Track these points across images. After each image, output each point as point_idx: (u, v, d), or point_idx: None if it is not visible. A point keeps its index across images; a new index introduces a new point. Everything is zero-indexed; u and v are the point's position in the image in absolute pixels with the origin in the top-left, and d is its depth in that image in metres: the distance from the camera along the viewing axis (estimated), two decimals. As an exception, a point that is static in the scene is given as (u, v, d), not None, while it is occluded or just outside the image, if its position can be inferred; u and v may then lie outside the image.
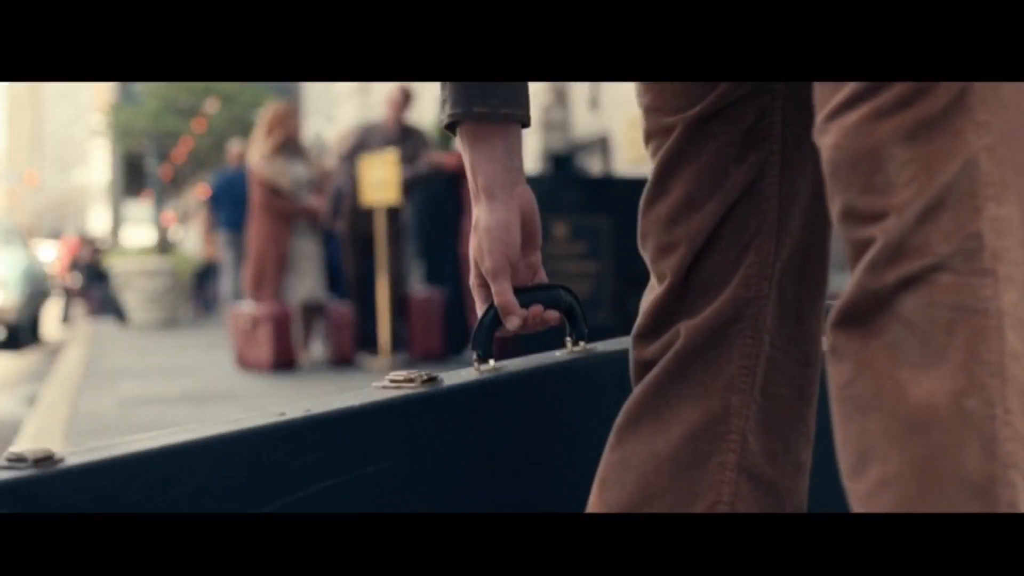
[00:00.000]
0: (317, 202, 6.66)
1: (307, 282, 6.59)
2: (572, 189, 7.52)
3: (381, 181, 6.22)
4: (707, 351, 1.09)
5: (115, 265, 12.94)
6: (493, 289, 1.16)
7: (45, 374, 7.74)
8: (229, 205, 8.58)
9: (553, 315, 1.19)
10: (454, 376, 1.23)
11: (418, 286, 7.28)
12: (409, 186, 6.66)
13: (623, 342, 1.23)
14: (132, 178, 30.60)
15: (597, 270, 6.97)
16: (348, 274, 6.85)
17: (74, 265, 16.68)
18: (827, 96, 0.87)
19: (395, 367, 6.31)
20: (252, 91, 22.36)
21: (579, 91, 13.22)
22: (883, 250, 0.83)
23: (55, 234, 31.15)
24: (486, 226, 1.14)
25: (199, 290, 14.30)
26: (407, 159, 6.53)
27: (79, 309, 15.97)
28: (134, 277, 12.23)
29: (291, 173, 6.58)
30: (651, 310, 1.13)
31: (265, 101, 16.62)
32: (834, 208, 0.87)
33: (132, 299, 12.23)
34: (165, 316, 12.14)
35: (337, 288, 7.20)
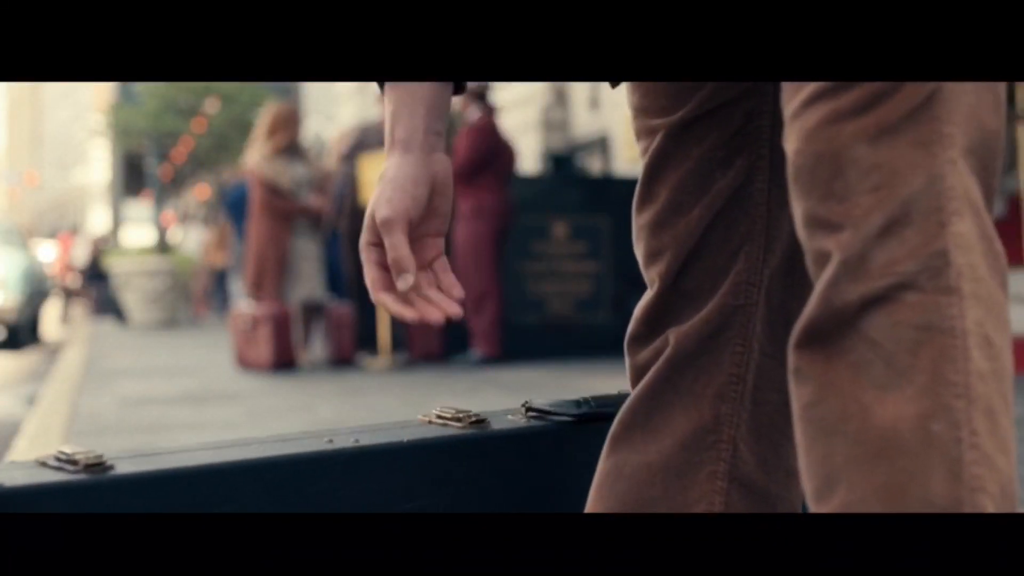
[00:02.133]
0: (318, 202, 6.66)
1: (307, 282, 6.59)
2: (572, 189, 7.53)
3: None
4: (697, 359, 1.09)
5: (115, 265, 12.94)
6: (387, 242, 1.03)
7: (45, 374, 7.73)
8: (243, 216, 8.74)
9: (451, 309, 1.07)
10: (501, 420, 1.24)
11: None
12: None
13: None
14: (132, 178, 30.59)
15: (597, 270, 6.98)
16: (348, 274, 6.85)
17: (73, 264, 16.68)
18: (790, 97, 0.86)
19: (395, 367, 6.32)
20: (252, 91, 22.34)
21: (579, 91, 13.22)
22: (845, 265, 0.81)
23: (55, 234, 31.17)
24: (392, 176, 1.05)
25: (215, 293, 14.32)
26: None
27: (79, 309, 15.96)
28: (134, 277, 12.23)
29: (292, 173, 6.58)
30: (642, 315, 1.13)
31: (265, 101, 16.61)
32: (795, 215, 0.86)
33: (132, 299, 12.23)
34: (165, 316, 12.14)
35: (337, 288, 7.20)
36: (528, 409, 1.27)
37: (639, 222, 1.13)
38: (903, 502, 0.79)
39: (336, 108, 23.22)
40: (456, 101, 6.71)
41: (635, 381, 1.12)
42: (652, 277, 1.12)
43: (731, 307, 1.09)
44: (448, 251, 1.10)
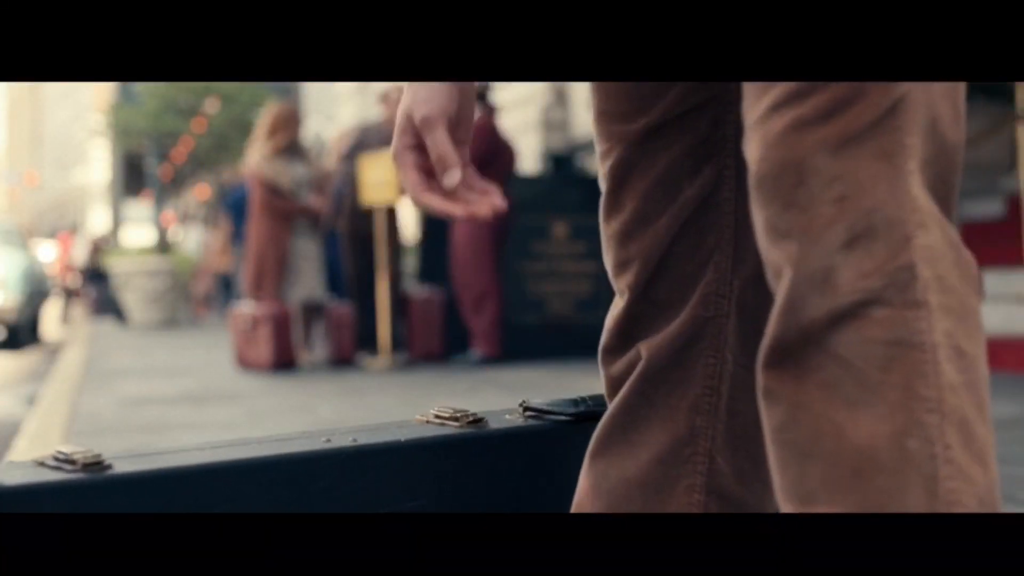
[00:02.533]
0: (318, 202, 6.66)
1: (307, 282, 6.59)
2: (572, 189, 7.52)
3: (381, 181, 6.22)
4: (670, 372, 1.08)
5: (115, 265, 12.94)
6: (429, 140, 1.00)
7: (45, 374, 7.73)
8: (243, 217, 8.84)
9: (496, 202, 1.01)
10: (499, 419, 1.24)
11: (416, 286, 7.28)
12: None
13: None
14: (132, 178, 30.58)
15: (597, 270, 6.97)
16: (348, 274, 6.85)
17: (73, 263, 16.69)
18: (752, 104, 0.85)
19: (395, 367, 6.31)
20: (252, 91, 22.33)
21: (579, 91, 13.21)
22: (810, 279, 0.80)
23: (55, 234, 31.17)
24: (423, 85, 1.02)
25: (218, 296, 14.34)
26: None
27: (79, 309, 15.97)
28: (134, 277, 12.23)
29: (292, 173, 6.58)
30: (614, 327, 1.11)
31: (265, 101, 16.61)
32: (756, 223, 0.85)
33: (132, 299, 12.23)
34: (165, 316, 12.14)
35: (337, 288, 7.20)
36: (526, 409, 1.27)
37: (607, 232, 1.12)
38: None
39: (336, 108, 23.22)
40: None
41: (611, 393, 1.11)
42: (621, 287, 1.11)
43: (702, 319, 1.08)
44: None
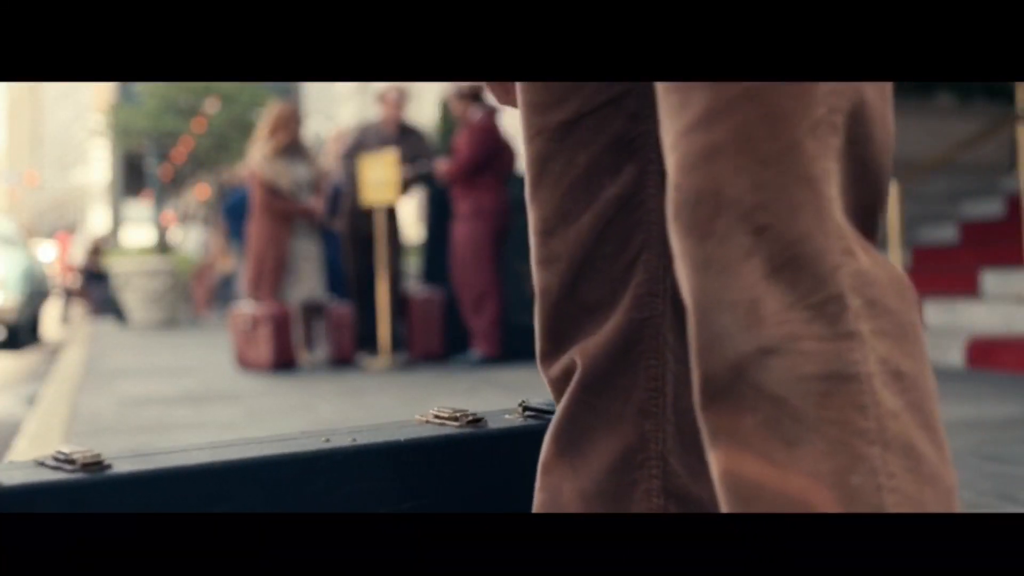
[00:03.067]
0: (317, 203, 6.66)
1: (307, 283, 6.60)
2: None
3: (381, 181, 6.22)
4: (611, 379, 1.06)
5: (115, 265, 12.94)
6: None
7: (45, 374, 7.73)
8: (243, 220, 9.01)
9: None
10: (498, 419, 1.24)
11: (418, 286, 7.28)
12: (409, 186, 6.67)
13: None
14: (132, 178, 30.59)
15: (597, 270, 6.97)
16: (348, 274, 6.85)
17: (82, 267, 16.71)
18: (667, 122, 0.83)
19: (395, 367, 6.31)
20: (252, 91, 22.34)
21: (579, 91, 13.18)
22: (733, 313, 0.78)
23: (54, 234, 31.16)
24: None
25: (219, 296, 14.38)
26: (406, 159, 6.53)
27: (78, 309, 15.98)
28: (134, 277, 12.23)
29: (292, 174, 6.58)
30: (544, 331, 1.09)
31: (265, 101, 16.61)
32: (676, 252, 0.82)
33: (132, 299, 12.23)
34: (165, 316, 12.14)
35: (337, 288, 7.20)
36: (525, 409, 1.27)
37: (530, 225, 1.10)
38: None
39: (336, 108, 23.22)
40: (457, 101, 6.71)
41: (556, 398, 1.09)
42: (546, 284, 1.08)
43: (637, 321, 1.05)
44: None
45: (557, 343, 1.08)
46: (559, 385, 1.09)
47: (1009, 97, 7.96)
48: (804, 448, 0.77)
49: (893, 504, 0.77)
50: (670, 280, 1.05)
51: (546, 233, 1.08)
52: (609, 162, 1.05)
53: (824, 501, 0.77)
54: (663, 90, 0.85)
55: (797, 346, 0.77)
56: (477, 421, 1.21)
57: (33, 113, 67.06)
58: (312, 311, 6.70)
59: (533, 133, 1.08)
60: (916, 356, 0.81)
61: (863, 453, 0.77)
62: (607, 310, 1.06)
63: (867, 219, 0.83)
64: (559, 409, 1.07)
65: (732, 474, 0.80)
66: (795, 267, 0.78)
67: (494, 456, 1.20)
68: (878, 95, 0.85)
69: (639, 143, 1.04)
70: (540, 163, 1.07)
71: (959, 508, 0.82)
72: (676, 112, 0.82)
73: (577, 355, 1.07)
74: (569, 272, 1.06)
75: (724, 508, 0.82)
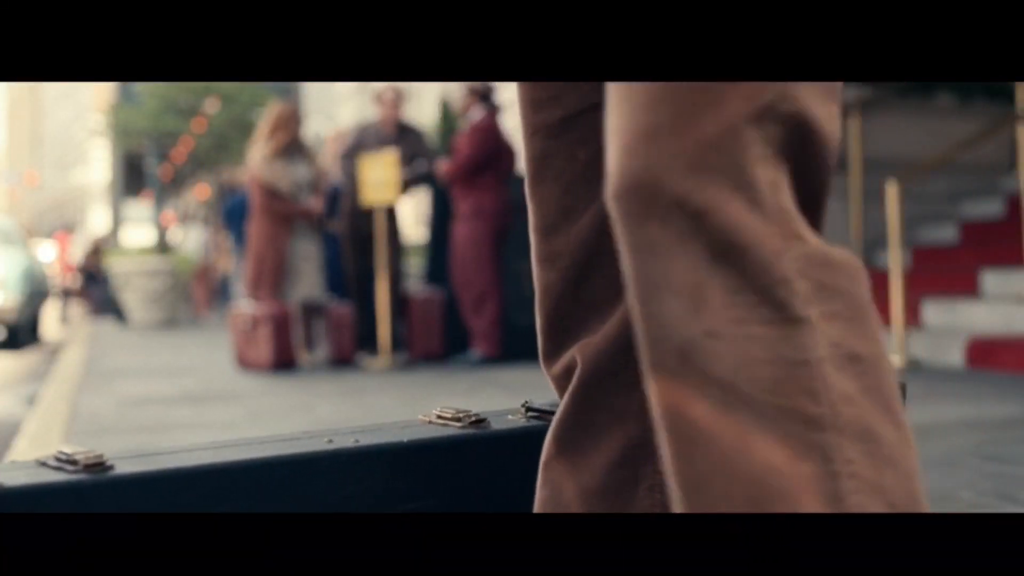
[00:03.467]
0: (317, 204, 6.66)
1: (306, 283, 6.59)
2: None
3: (381, 181, 6.22)
4: (613, 377, 1.05)
5: (115, 265, 12.94)
6: None
7: (45, 374, 7.73)
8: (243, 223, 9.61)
9: None
10: (501, 420, 1.24)
11: (419, 286, 7.28)
12: (408, 186, 6.67)
13: None
14: (132, 178, 30.59)
15: (597, 270, 6.97)
16: (348, 274, 6.85)
17: (81, 267, 16.71)
18: (612, 108, 0.82)
19: (395, 367, 6.31)
20: (252, 91, 22.34)
21: (579, 91, 13.17)
22: (677, 297, 0.77)
23: (52, 234, 31.17)
24: None
25: (219, 296, 14.42)
26: (406, 159, 6.53)
27: (78, 309, 15.99)
28: (134, 277, 12.23)
29: (292, 174, 6.57)
30: (547, 330, 1.08)
31: (265, 101, 16.60)
32: (618, 238, 0.81)
33: (132, 299, 12.23)
34: (165, 316, 12.14)
35: (337, 288, 7.20)
36: (528, 409, 1.27)
37: (530, 222, 1.09)
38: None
39: (336, 108, 23.23)
40: (458, 101, 6.71)
41: (560, 395, 1.09)
42: (547, 282, 1.08)
43: None
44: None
45: (559, 341, 1.08)
46: (561, 382, 1.08)
47: (1009, 97, 7.96)
48: (755, 436, 0.76)
49: (852, 490, 0.76)
50: None
51: (547, 230, 1.07)
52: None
53: (775, 490, 0.76)
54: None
55: (744, 330, 0.76)
56: (480, 422, 1.21)
57: (33, 113, 67.07)
58: (311, 311, 6.70)
59: (532, 130, 1.08)
60: (871, 338, 0.80)
61: (815, 440, 0.76)
62: (609, 307, 1.06)
63: (812, 203, 0.82)
64: (561, 406, 1.07)
65: (684, 460, 0.79)
66: (737, 251, 0.76)
67: (497, 457, 1.20)
68: (823, 90, 0.84)
69: None
70: (540, 160, 1.07)
71: (922, 489, 0.80)
72: (620, 99, 0.81)
73: (578, 353, 1.06)
74: (571, 270, 1.06)
75: (676, 498, 0.81)
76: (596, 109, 1.04)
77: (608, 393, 1.06)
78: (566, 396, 1.07)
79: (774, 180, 0.78)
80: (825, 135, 0.83)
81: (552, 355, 1.09)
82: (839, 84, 0.86)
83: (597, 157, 1.04)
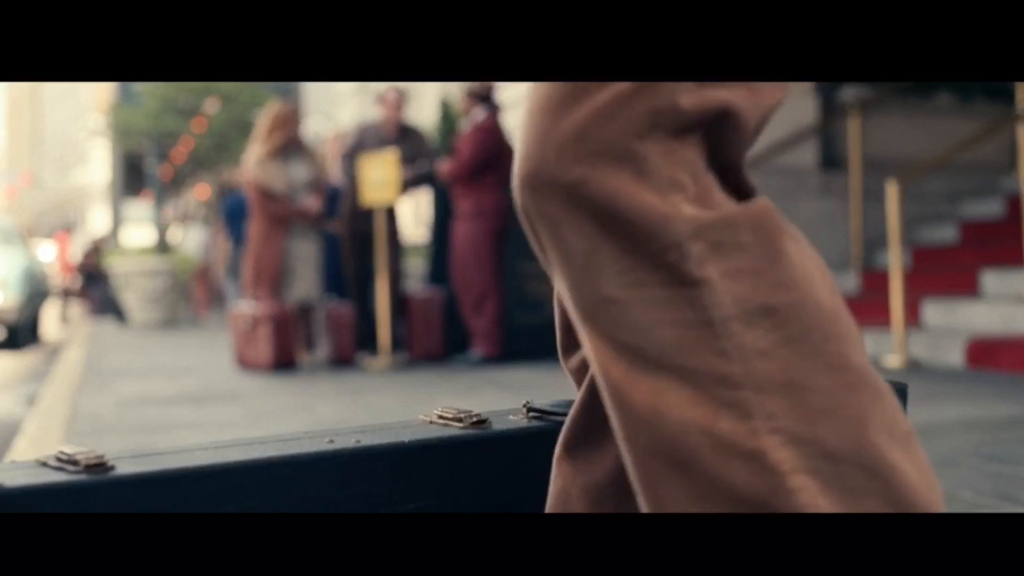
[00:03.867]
0: (315, 205, 6.64)
1: (302, 284, 6.59)
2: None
3: (381, 181, 6.22)
4: None
5: (115, 265, 12.94)
6: None
7: (45, 374, 7.73)
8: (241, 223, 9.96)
9: None
10: (502, 420, 1.24)
11: (420, 286, 7.28)
12: (409, 186, 6.67)
13: None
14: (132, 178, 30.59)
15: (597, 270, 6.96)
16: (348, 274, 6.85)
17: (79, 267, 16.71)
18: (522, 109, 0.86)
19: (395, 367, 6.31)
20: (252, 91, 22.32)
21: (579, 91, 13.16)
22: (570, 264, 0.79)
23: (54, 234, 31.19)
24: None
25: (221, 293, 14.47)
26: (406, 159, 6.53)
27: (78, 309, 15.99)
28: (134, 277, 12.23)
29: (287, 175, 6.56)
30: (564, 323, 1.10)
31: (265, 101, 16.61)
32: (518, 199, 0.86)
33: (132, 299, 12.23)
34: (165, 316, 12.14)
35: (337, 288, 7.20)
36: (529, 409, 1.27)
37: None
38: (717, 506, 0.76)
39: (336, 108, 23.23)
40: (459, 101, 6.71)
41: (578, 387, 1.10)
42: None
43: None
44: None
45: (574, 336, 1.09)
46: (579, 376, 1.09)
47: (1009, 97, 7.96)
48: (670, 398, 0.76)
49: (777, 445, 0.75)
50: None
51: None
52: None
53: (696, 451, 0.75)
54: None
55: (641, 294, 0.77)
56: (482, 422, 1.21)
57: (33, 113, 67.09)
58: (307, 312, 6.69)
59: None
60: (785, 287, 0.78)
61: (730, 398, 0.75)
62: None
63: (730, 173, 0.82)
64: (576, 401, 1.08)
65: (617, 427, 0.80)
66: (623, 220, 0.77)
67: (498, 457, 1.20)
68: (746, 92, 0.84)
69: None
70: None
71: (880, 433, 0.78)
72: (525, 100, 0.85)
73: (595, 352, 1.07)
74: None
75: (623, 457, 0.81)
76: None
77: None
78: (581, 391, 1.08)
79: (667, 150, 0.79)
80: (737, 110, 0.82)
81: (569, 349, 1.10)
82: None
83: None
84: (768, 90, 0.84)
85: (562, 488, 1.08)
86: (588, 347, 0.81)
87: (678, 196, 0.78)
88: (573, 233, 0.79)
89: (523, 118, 0.84)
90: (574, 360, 1.09)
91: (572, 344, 1.10)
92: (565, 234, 0.80)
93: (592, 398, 1.07)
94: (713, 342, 0.76)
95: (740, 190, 0.83)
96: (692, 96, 0.81)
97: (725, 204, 0.80)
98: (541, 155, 0.81)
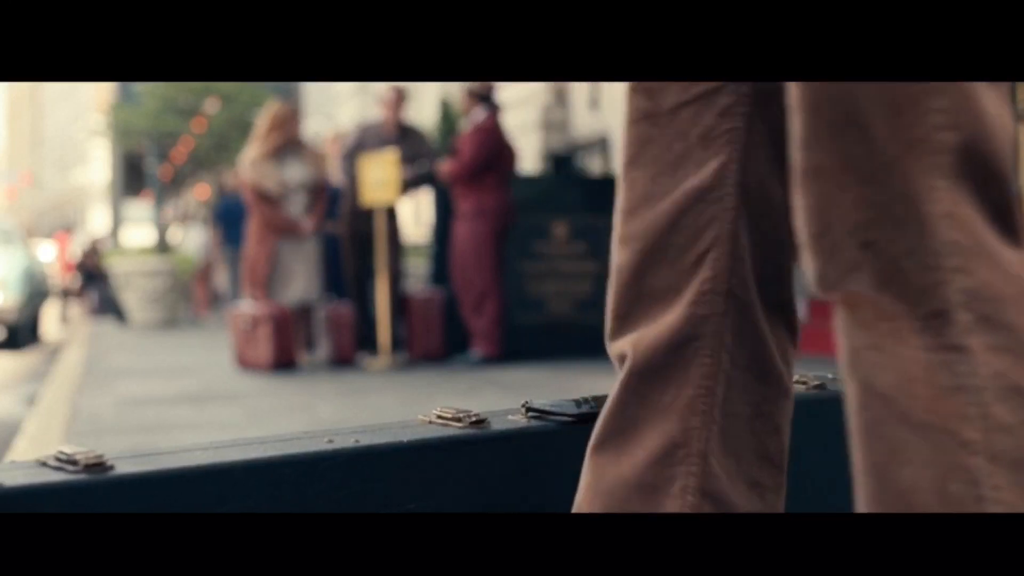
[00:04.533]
0: (309, 224, 6.56)
1: (299, 284, 6.58)
2: (572, 189, 7.52)
3: (381, 181, 6.22)
4: (664, 371, 1.07)
5: (115, 265, 12.93)
6: None
7: (45, 374, 7.73)
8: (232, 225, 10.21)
9: None
10: (501, 420, 1.24)
11: (421, 286, 7.28)
12: (410, 186, 6.67)
13: None
14: (132, 178, 30.59)
15: (597, 270, 6.97)
16: (348, 274, 6.85)
17: (78, 266, 16.71)
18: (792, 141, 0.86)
19: (395, 367, 6.32)
20: (252, 91, 22.33)
21: (579, 91, 13.21)
22: (848, 312, 0.83)
23: (52, 234, 31.17)
24: None
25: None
26: (407, 159, 6.53)
27: (78, 309, 15.99)
28: (134, 277, 12.23)
29: (282, 176, 6.55)
30: (612, 312, 1.11)
31: (265, 101, 16.60)
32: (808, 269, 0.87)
33: (132, 299, 12.22)
34: (165, 316, 12.14)
35: (337, 288, 7.20)
36: (528, 409, 1.27)
37: (616, 204, 1.13)
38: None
39: (336, 108, 23.24)
40: (459, 101, 6.71)
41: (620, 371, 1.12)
42: (619, 263, 1.12)
43: (698, 317, 1.07)
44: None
45: (621, 323, 1.11)
46: (622, 362, 1.11)
47: (1010, 97, 7.95)
48: (909, 454, 0.80)
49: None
50: (735, 281, 1.07)
51: (628, 213, 1.11)
52: (696, 154, 1.07)
53: (921, 507, 0.79)
54: (791, 111, 0.88)
55: (904, 350, 0.80)
56: (481, 422, 1.20)
57: (33, 113, 67.07)
58: (305, 312, 6.68)
59: (639, 116, 1.10)
60: None
61: (965, 463, 0.78)
62: (670, 300, 1.08)
63: (1002, 219, 0.84)
64: (611, 395, 1.09)
65: (855, 458, 0.84)
66: (901, 281, 0.81)
67: (498, 457, 1.20)
68: (995, 98, 0.85)
69: (723, 140, 1.07)
70: (639, 144, 1.10)
71: None
72: (792, 131, 0.86)
73: (631, 345, 1.09)
74: (640, 254, 1.09)
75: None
76: (694, 104, 1.07)
77: (656, 389, 1.07)
78: (617, 384, 1.09)
79: (940, 211, 0.81)
80: (1000, 147, 0.84)
81: (615, 335, 1.11)
82: (1007, 90, 0.88)
83: (688, 150, 1.07)
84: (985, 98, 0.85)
85: (592, 480, 1.09)
86: (848, 387, 0.84)
87: (957, 259, 0.81)
88: (854, 288, 0.83)
89: (794, 144, 0.86)
90: (617, 347, 1.10)
91: (619, 330, 1.11)
92: (845, 287, 0.83)
93: (627, 395, 1.08)
94: (963, 408, 0.79)
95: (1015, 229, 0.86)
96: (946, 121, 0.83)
97: (1006, 273, 0.82)
98: (828, 213, 0.84)
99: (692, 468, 1.06)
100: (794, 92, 0.85)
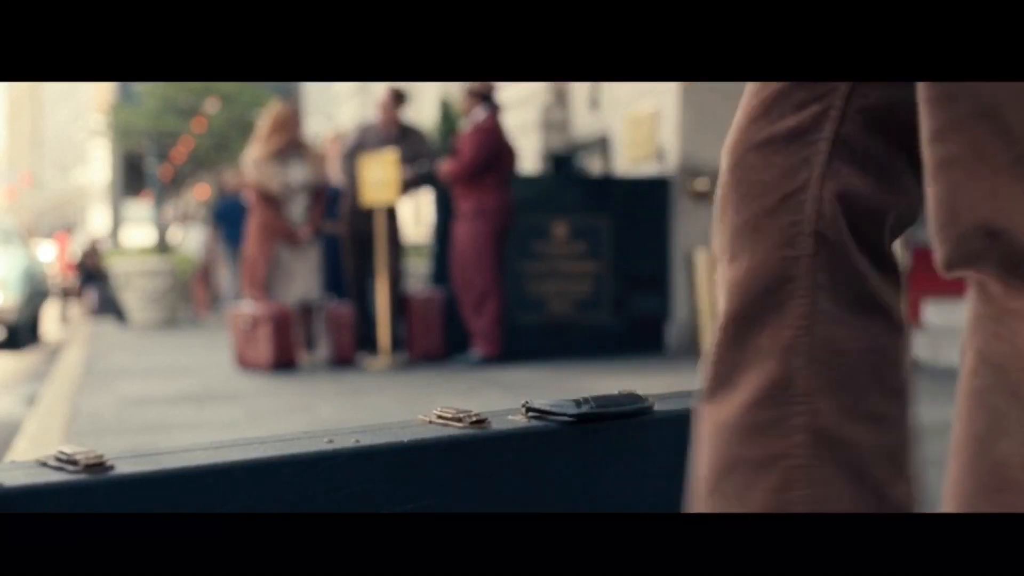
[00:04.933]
0: (306, 233, 6.57)
1: (300, 284, 6.58)
2: (572, 189, 7.52)
3: (381, 181, 6.22)
4: (759, 314, 1.08)
5: (115, 265, 12.93)
6: None
7: (45, 374, 7.73)
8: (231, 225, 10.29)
9: None
10: (501, 420, 1.24)
11: (421, 286, 7.28)
12: (410, 186, 6.67)
13: (679, 400, 1.24)
14: (132, 178, 30.60)
15: (597, 270, 6.97)
16: (348, 274, 6.85)
17: (78, 266, 16.72)
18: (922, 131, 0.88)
19: (395, 367, 6.32)
20: (252, 91, 22.33)
21: (579, 91, 13.21)
22: (975, 292, 0.86)
23: (52, 234, 31.16)
24: None
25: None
26: (407, 159, 6.53)
27: (78, 309, 16.00)
28: (134, 277, 12.23)
29: (284, 176, 6.55)
30: (717, 244, 1.13)
31: (265, 101, 16.61)
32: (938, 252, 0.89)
33: (132, 299, 12.23)
34: (165, 316, 12.14)
35: (337, 288, 7.20)
36: (528, 409, 1.27)
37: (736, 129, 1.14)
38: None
39: (336, 108, 23.24)
40: (459, 101, 6.70)
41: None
42: (717, 201, 1.13)
43: (789, 259, 1.07)
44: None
45: (721, 262, 1.11)
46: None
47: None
48: (1009, 424, 0.82)
49: None
50: (824, 224, 1.07)
51: (738, 144, 1.11)
52: (799, 94, 1.07)
53: (1009, 481, 0.81)
54: (920, 102, 0.89)
55: (1018, 324, 0.82)
56: (481, 422, 1.20)
57: (33, 113, 67.07)
58: (307, 312, 6.68)
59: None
60: None
61: None
62: (759, 238, 1.08)
63: None
64: (711, 346, 1.10)
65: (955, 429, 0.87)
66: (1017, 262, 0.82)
67: (498, 457, 1.19)
68: None
69: (828, 85, 1.06)
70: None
71: None
72: (923, 123, 0.87)
73: (726, 287, 1.10)
74: (734, 187, 1.10)
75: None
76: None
77: (755, 332, 1.08)
78: (717, 330, 1.09)
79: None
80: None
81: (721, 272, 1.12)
82: None
83: (790, 86, 1.07)
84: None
85: (701, 429, 1.09)
86: (966, 352, 0.87)
87: None
88: (978, 275, 0.85)
89: (926, 135, 0.87)
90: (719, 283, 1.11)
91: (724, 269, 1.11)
92: (966, 273, 0.86)
93: (728, 339, 1.09)
94: None
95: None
96: None
97: None
98: (959, 191, 0.85)
99: (799, 407, 1.05)
100: (925, 85, 0.86)
